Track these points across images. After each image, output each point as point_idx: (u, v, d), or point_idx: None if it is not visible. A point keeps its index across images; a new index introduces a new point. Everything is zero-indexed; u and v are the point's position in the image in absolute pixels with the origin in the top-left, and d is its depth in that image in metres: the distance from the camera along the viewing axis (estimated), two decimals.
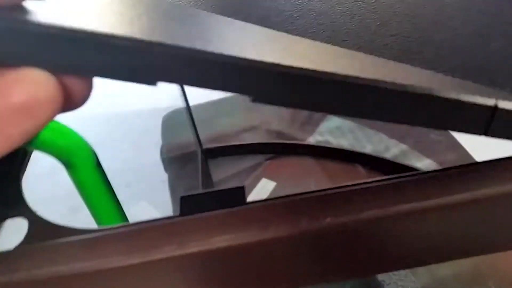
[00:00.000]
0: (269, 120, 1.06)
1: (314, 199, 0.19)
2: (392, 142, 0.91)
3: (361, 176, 0.89)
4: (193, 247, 0.18)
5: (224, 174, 1.01)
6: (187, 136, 0.99)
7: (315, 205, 0.19)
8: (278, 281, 0.20)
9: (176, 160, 1.04)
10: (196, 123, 0.95)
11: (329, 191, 0.20)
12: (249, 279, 0.19)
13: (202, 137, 0.99)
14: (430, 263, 0.21)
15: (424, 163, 0.85)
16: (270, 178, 0.93)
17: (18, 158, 0.26)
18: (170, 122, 1.11)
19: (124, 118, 1.63)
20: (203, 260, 0.18)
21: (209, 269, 0.18)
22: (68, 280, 0.18)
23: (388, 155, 0.89)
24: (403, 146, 0.89)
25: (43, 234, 0.20)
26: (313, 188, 0.21)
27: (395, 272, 0.75)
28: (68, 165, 0.28)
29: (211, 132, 1.05)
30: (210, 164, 1.02)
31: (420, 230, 0.20)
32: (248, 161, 1.01)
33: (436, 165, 0.84)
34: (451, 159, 0.83)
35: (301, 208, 0.19)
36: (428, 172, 0.21)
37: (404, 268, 0.23)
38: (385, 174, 0.87)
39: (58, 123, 0.27)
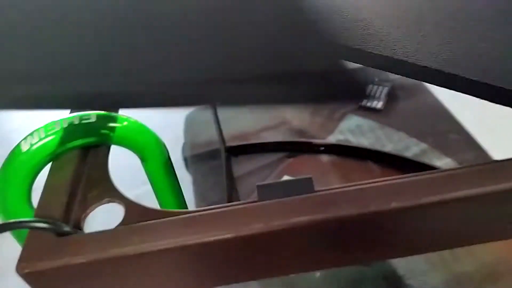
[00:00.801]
0: (290, 119, 1.09)
1: (381, 187, 0.22)
2: (412, 141, 0.94)
3: (376, 174, 0.91)
4: (277, 226, 0.21)
5: (246, 169, 1.04)
6: (211, 134, 1.03)
7: (381, 192, 0.22)
8: (351, 253, 0.23)
9: (200, 157, 1.07)
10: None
11: (386, 182, 0.23)
12: (325, 251, 0.22)
13: (224, 135, 1.02)
14: (442, 249, 0.24)
15: (444, 162, 0.87)
16: (292, 175, 0.96)
17: (103, 152, 0.29)
18: (193, 120, 1.15)
19: (143, 114, 1.67)
20: (285, 236, 0.21)
21: (290, 244, 0.21)
22: (173, 251, 0.21)
23: (408, 154, 0.91)
24: (423, 145, 0.92)
25: (140, 217, 0.24)
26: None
27: (416, 267, 0.77)
28: (143, 158, 0.31)
29: (234, 130, 1.08)
30: (231, 160, 1.06)
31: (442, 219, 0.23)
32: (269, 158, 1.04)
33: (455, 164, 0.86)
34: (469, 158, 0.85)
35: (367, 194, 0.22)
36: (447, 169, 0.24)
37: (419, 253, 0.25)
38: (405, 172, 0.89)
39: (135, 121, 0.31)
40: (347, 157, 0.96)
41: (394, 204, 0.21)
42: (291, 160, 1.00)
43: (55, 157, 0.28)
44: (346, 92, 0.25)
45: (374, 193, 0.22)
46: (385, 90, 1.03)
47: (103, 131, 0.29)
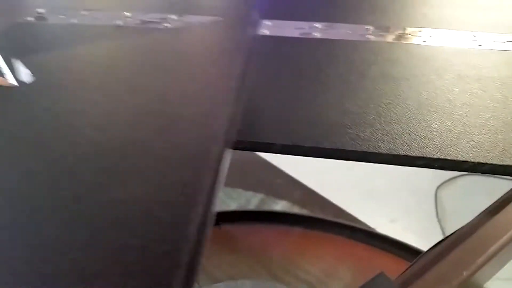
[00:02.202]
0: None
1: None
2: (250, 194, 1.06)
3: (223, 235, 0.98)
4: None
5: None
6: None
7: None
8: None
9: None
10: None
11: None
12: None
13: None
14: None
15: (281, 205, 1.02)
16: None
17: None
18: None
19: None
20: None
21: None
22: None
23: (251, 206, 1.03)
24: (260, 195, 1.05)
25: None
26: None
27: None
28: None
29: None
30: None
31: None
32: None
33: (290, 205, 1.02)
34: (299, 197, 1.03)
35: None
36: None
37: None
38: (253, 223, 0.99)
39: None
40: None
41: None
42: None
43: None
44: None
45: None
46: None
47: None
